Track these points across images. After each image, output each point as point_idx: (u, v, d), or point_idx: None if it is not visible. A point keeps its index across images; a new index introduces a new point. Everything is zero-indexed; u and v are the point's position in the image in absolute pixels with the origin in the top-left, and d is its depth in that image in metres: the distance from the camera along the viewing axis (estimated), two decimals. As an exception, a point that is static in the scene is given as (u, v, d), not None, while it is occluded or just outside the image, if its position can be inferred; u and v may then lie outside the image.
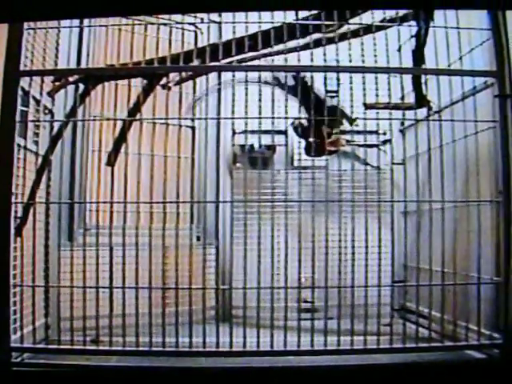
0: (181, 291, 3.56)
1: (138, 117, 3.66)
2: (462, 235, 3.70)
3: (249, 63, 3.69)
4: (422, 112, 4.02)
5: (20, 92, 3.43)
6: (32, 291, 3.48)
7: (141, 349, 3.42)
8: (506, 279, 3.47)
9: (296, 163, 5.22)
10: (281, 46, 3.65)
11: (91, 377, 3.29)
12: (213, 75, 4.67)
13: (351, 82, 3.72)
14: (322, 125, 4.30)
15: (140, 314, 3.48)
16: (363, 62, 3.66)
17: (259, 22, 3.64)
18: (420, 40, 3.75)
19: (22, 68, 3.43)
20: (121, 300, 3.48)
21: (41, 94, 3.61)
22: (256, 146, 4.89)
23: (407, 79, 3.87)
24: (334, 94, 5.02)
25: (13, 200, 3.37)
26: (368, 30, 3.70)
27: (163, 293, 3.59)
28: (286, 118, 3.79)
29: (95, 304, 3.47)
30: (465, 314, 3.62)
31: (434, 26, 3.70)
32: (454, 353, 3.60)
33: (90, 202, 4.38)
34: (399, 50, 3.87)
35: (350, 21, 3.71)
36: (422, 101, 3.94)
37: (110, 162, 3.70)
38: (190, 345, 3.45)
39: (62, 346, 3.47)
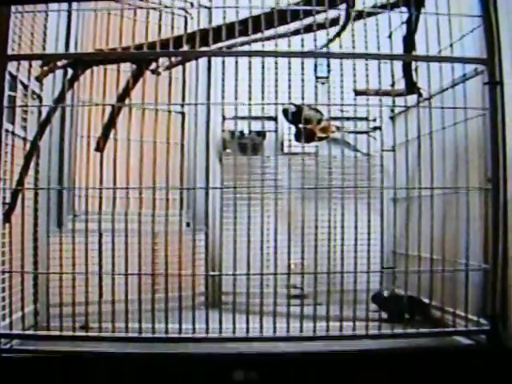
0: (170, 277, 3.56)
1: (127, 102, 3.63)
2: (450, 222, 3.72)
3: (239, 48, 3.67)
4: (412, 99, 4.02)
5: (7, 77, 3.39)
6: (21, 277, 3.46)
7: (130, 335, 3.42)
8: (493, 266, 3.49)
9: (286, 149, 5.22)
10: (271, 32, 3.63)
11: (80, 363, 3.30)
12: (203, 60, 4.68)
13: (342, 69, 3.71)
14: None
15: (129, 300, 3.48)
16: (354, 48, 3.65)
17: (250, 7, 3.62)
18: (411, 26, 3.74)
19: (9, 52, 3.39)
20: (110, 286, 3.48)
21: (29, 78, 3.57)
22: (246, 131, 4.87)
23: (398, 66, 3.86)
24: (324, 80, 5.03)
25: (1, 186, 3.35)
26: (359, 15, 3.69)
27: (153, 279, 3.59)
28: (275, 104, 3.78)
29: (84, 290, 3.46)
30: (453, 300, 3.65)
31: (425, 13, 3.69)
32: (441, 339, 3.64)
33: (79, 188, 4.36)
34: (390, 36, 3.86)
35: (341, 6, 3.70)
36: (412, 87, 3.94)
37: (99, 148, 3.69)
38: (180, 331, 3.45)
39: (51, 333, 3.46)
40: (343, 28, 3.70)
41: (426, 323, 3.75)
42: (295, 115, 4.35)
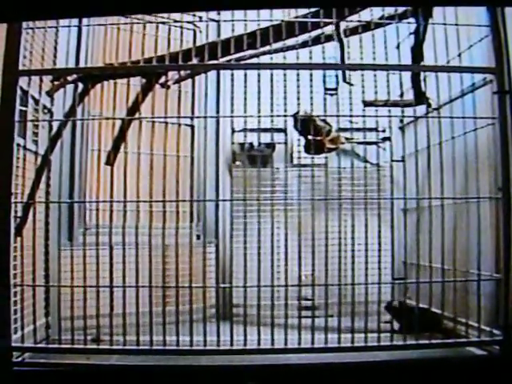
0: (181, 290, 3.56)
1: (137, 116, 3.66)
2: (461, 232, 3.70)
3: (248, 61, 3.69)
4: (421, 109, 4.02)
5: (19, 92, 3.42)
6: (32, 291, 3.47)
7: (141, 347, 3.42)
8: (505, 276, 3.47)
9: (295, 161, 5.23)
10: (280, 44, 3.65)
11: (92, 376, 3.30)
12: (212, 74, 4.69)
13: (350, 79, 3.72)
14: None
15: (140, 313, 3.48)
16: (362, 59, 3.66)
17: (258, 20, 3.64)
18: (419, 37, 3.74)
19: (20, 68, 3.42)
20: (121, 299, 3.48)
21: (40, 93, 3.61)
22: (255, 143, 4.89)
23: (406, 76, 3.86)
24: (333, 92, 5.04)
25: (12, 200, 3.37)
26: (367, 27, 3.70)
27: (163, 291, 3.60)
28: (285, 116, 3.79)
29: (95, 303, 3.47)
30: (465, 311, 3.62)
31: (433, 23, 3.70)
32: (454, 349, 3.61)
33: (90, 202, 4.38)
34: (398, 47, 3.87)
35: (349, 18, 3.72)
36: (421, 98, 3.94)
37: (110, 162, 3.70)
38: (191, 343, 3.44)
39: (62, 346, 3.47)
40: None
41: (438, 334, 3.72)
42: (304, 125, 4.35)
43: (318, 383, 3.30)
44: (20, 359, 3.40)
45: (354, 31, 3.71)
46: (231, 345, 3.46)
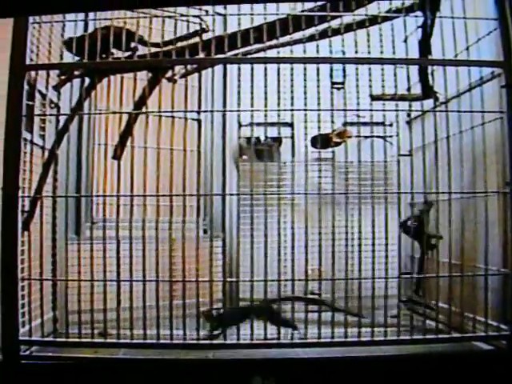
0: (188, 284, 3.57)
1: (143, 110, 3.66)
2: (469, 226, 3.69)
3: (254, 55, 3.68)
4: (428, 103, 4.00)
5: (26, 86, 3.43)
6: (40, 285, 3.49)
7: (148, 341, 3.43)
8: (513, 270, 3.46)
9: (302, 155, 5.21)
10: (286, 38, 3.64)
11: (99, 369, 3.31)
12: (218, 68, 4.69)
13: (357, 74, 3.70)
14: None
15: (147, 307, 3.49)
16: (369, 53, 3.64)
17: (264, 14, 3.63)
18: (426, 30, 3.72)
19: (27, 62, 3.43)
20: (128, 293, 3.49)
21: (47, 88, 3.61)
22: (262, 138, 4.87)
23: (413, 70, 3.85)
24: (340, 86, 5.02)
25: (20, 194, 3.38)
26: (374, 20, 3.68)
27: (170, 286, 3.60)
28: (291, 110, 3.78)
29: (103, 297, 3.48)
30: (472, 306, 3.61)
31: (441, 17, 3.68)
32: (461, 344, 3.60)
33: (97, 196, 4.39)
34: (405, 40, 3.85)
35: (356, 11, 3.70)
36: (428, 92, 3.92)
37: (117, 156, 3.71)
38: (198, 337, 3.45)
39: (69, 339, 3.48)
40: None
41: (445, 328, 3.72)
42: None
43: (325, 377, 3.31)
44: (27, 353, 3.42)
45: (360, 25, 3.69)
46: (238, 339, 3.47)
